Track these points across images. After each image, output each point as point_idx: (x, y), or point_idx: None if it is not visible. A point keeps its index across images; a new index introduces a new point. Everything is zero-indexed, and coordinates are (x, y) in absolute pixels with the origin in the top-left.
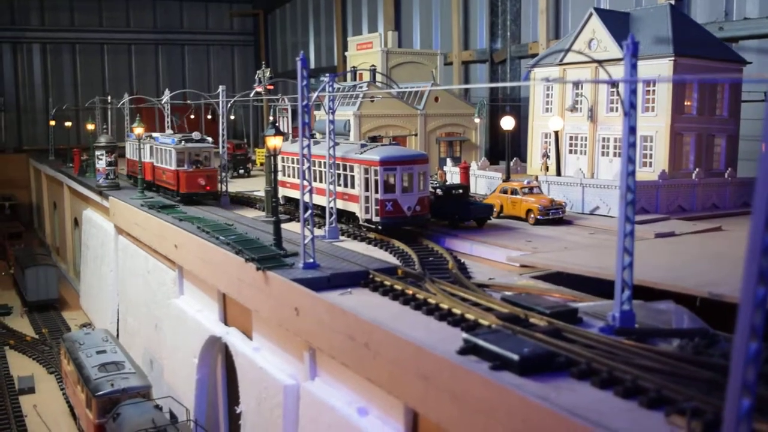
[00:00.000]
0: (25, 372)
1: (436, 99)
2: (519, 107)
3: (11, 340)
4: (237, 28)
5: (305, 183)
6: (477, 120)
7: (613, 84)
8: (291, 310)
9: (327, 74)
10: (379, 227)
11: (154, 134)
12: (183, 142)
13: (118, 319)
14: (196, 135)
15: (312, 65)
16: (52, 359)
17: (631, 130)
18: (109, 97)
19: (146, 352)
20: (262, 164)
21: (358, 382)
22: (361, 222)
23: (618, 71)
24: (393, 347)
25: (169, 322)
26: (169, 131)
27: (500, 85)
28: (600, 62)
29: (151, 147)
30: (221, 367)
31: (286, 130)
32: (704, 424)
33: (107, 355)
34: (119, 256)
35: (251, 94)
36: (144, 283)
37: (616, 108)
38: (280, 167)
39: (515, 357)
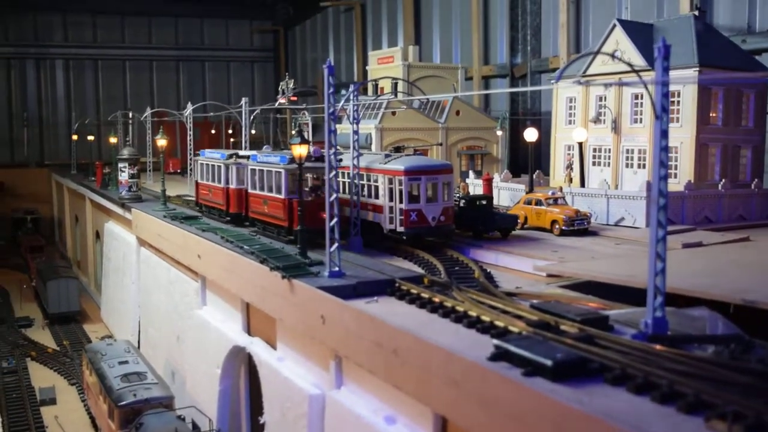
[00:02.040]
0: (47, 383)
1: (458, 113)
2: (540, 121)
3: (33, 351)
4: (257, 44)
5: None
6: (499, 132)
7: (645, 88)
8: (317, 319)
9: (352, 84)
10: (404, 237)
11: (243, 152)
12: None
13: (139, 331)
14: (315, 151)
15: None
16: (74, 371)
17: (663, 133)
18: (131, 113)
19: (168, 363)
20: None
21: (385, 390)
22: (385, 232)
23: (638, 84)
24: (422, 354)
25: (192, 333)
26: (266, 147)
27: (527, 89)
28: (631, 67)
29: (239, 168)
30: (244, 378)
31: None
32: (746, 428)
33: (129, 366)
34: (141, 268)
35: (276, 105)
36: (166, 295)
37: (641, 119)
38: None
39: (548, 362)
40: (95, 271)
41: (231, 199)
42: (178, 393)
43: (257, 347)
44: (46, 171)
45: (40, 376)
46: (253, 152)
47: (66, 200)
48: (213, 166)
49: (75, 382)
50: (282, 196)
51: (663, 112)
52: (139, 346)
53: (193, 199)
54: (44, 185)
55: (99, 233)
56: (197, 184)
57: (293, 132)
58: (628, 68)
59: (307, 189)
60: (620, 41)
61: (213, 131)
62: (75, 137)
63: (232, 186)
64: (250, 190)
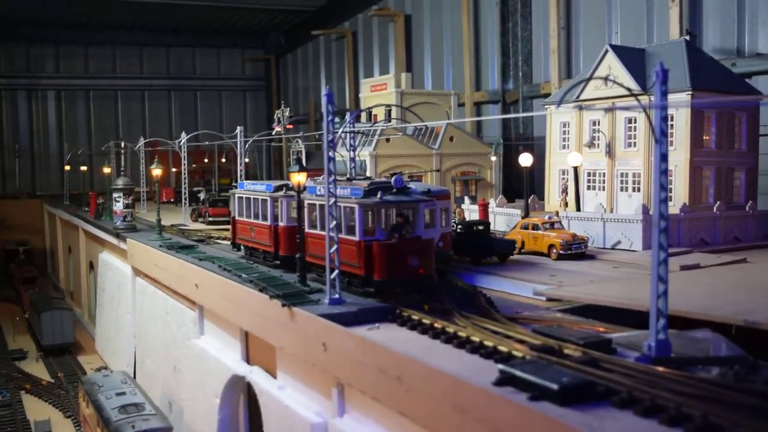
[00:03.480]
0: (42, 416)
1: (451, 139)
2: (532, 146)
3: (27, 384)
4: (249, 73)
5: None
6: (493, 158)
7: (645, 112)
8: (318, 346)
9: (347, 111)
10: None
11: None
12: (379, 193)
13: (135, 362)
14: (396, 181)
15: (323, 108)
16: (69, 403)
17: (663, 157)
18: (123, 143)
19: (164, 394)
20: None
21: (389, 417)
22: None
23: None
24: (427, 380)
25: (190, 363)
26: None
27: (524, 114)
28: (631, 92)
29: (292, 203)
30: (243, 407)
31: None
32: None
33: (127, 397)
34: (137, 298)
35: (273, 133)
36: (163, 325)
37: (634, 143)
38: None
39: (555, 386)
40: (89, 302)
41: (281, 239)
42: (176, 423)
43: (257, 376)
44: (38, 202)
45: (35, 409)
46: (310, 182)
47: (59, 231)
48: (256, 200)
49: (71, 415)
50: (356, 238)
51: (662, 135)
52: (134, 377)
53: (189, 229)
54: (36, 216)
55: (93, 264)
56: (234, 221)
57: (291, 160)
58: (621, 93)
59: (384, 228)
60: (612, 66)
61: (206, 160)
62: (67, 168)
63: (283, 224)
64: (308, 230)
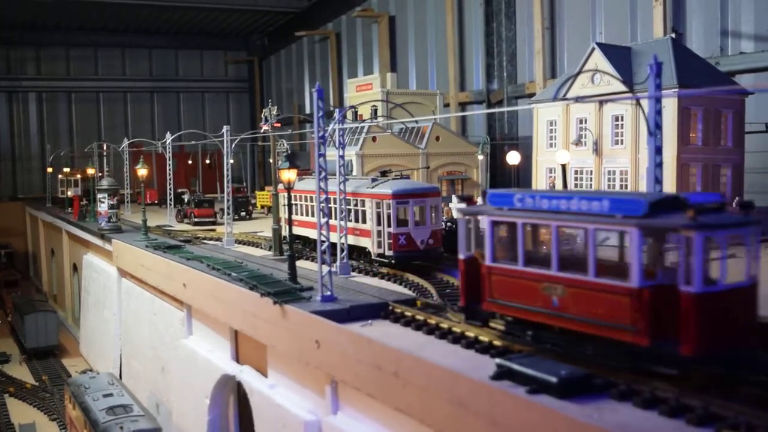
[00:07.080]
0: (27, 420)
1: (437, 138)
2: (517, 145)
3: (11, 387)
4: (232, 75)
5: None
6: (480, 157)
7: (638, 104)
8: (311, 343)
9: (337, 109)
10: (392, 261)
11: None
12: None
13: (120, 364)
14: None
15: (306, 110)
16: (54, 406)
17: (657, 150)
18: (105, 145)
19: (152, 395)
20: (262, 207)
21: (385, 413)
22: (373, 257)
23: (619, 106)
24: (424, 375)
25: (178, 364)
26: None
27: (511, 109)
28: (626, 85)
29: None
30: (233, 407)
31: None
32: None
33: (114, 398)
34: (122, 300)
35: (261, 131)
36: (150, 325)
37: (621, 141)
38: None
39: (554, 379)
40: (73, 305)
41: (691, 321)
42: (165, 425)
43: (247, 375)
44: (20, 204)
45: (20, 413)
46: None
47: (41, 233)
48: (568, 232)
49: (56, 418)
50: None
51: (656, 128)
52: (120, 379)
53: (175, 230)
54: (18, 219)
55: (77, 266)
56: (481, 268)
57: (279, 159)
58: (608, 91)
59: None
60: (599, 64)
61: (190, 162)
62: (50, 170)
63: (694, 289)
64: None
